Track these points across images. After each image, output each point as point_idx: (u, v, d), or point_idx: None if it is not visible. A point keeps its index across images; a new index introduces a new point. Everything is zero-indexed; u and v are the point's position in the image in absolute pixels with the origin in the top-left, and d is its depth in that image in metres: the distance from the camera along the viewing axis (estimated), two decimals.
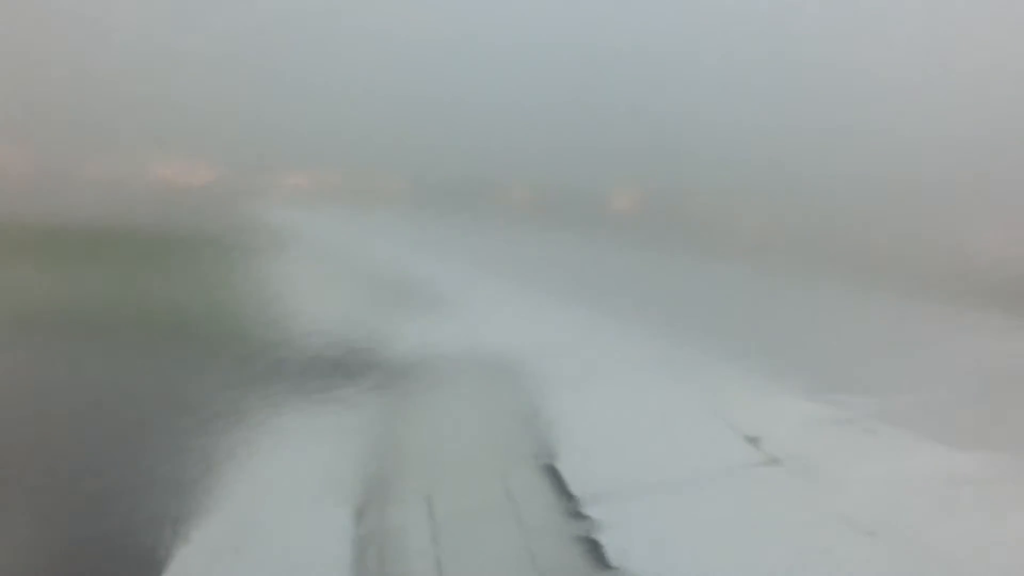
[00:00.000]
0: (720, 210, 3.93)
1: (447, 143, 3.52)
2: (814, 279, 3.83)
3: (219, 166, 3.48)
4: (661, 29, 3.39)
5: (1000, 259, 3.57)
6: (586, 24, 3.34)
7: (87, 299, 3.23)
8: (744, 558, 2.25)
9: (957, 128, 3.62)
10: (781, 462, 2.63)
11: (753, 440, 2.77)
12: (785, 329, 3.60)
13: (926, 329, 3.58)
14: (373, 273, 3.57)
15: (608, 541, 2.29)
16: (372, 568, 2.27)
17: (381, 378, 3.10)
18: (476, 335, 3.38)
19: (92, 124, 3.29)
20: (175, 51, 3.27)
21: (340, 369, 3.07)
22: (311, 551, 2.34)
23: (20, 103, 3.20)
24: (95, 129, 3.30)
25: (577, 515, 2.41)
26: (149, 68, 3.23)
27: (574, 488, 2.53)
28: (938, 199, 3.65)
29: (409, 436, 2.92)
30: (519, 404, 3.08)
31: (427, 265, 3.61)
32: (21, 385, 2.75)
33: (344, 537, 2.35)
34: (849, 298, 3.70)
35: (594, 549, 2.27)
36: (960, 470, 2.68)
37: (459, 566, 2.25)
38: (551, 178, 3.65)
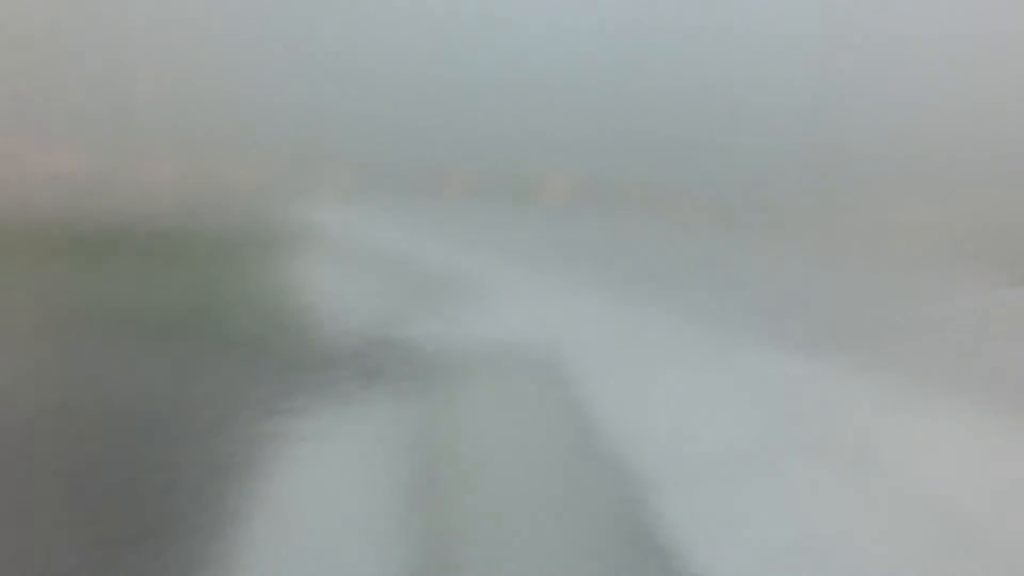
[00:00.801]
0: (751, 190, 3.86)
1: (480, 131, 3.47)
2: (844, 258, 3.77)
3: (242, 159, 3.42)
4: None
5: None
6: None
7: (120, 299, 3.19)
8: (799, 539, 2.22)
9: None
10: (837, 440, 2.59)
11: (804, 419, 2.73)
12: (820, 306, 3.54)
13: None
14: (406, 267, 3.51)
15: (662, 529, 2.26)
16: (425, 566, 2.24)
17: (417, 373, 3.05)
18: (512, 326, 3.34)
19: (123, 121, 3.26)
20: (198, 38, 3.24)
21: (374, 363, 3.03)
22: (354, 552, 2.31)
23: (57, 100, 3.19)
24: (126, 127, 3.27)
25: (630, 504, 2.38)
26: (175, 60, 3.21)
27: (625, 477, 2.49)
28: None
29: (450, 433, 2.88)
30: (560, 396, 3.03)
31: (459, 257, 3.54)
32: (54, 382, 2.73)
33: (388, 538, 2.32)
34: (887, 277, 3.65)
35: (650, 538, 2.24)
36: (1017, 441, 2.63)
37: (511, 561, 2.21)
38: (587, 165, 3.59)
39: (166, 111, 3.41)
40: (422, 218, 3.78)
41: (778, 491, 2.40)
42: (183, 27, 3.43)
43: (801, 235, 4.06)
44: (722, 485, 2.42)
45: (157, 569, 2.31)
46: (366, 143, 3.50)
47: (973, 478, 2.37)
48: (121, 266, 3.25)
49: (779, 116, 3.86)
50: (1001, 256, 3.72)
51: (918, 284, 3.92)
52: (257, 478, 2.58)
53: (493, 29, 3.24)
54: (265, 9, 3.34)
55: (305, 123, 3.43)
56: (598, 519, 2.30)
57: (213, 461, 2.69)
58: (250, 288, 3.35)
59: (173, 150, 3.38)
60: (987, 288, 3.57)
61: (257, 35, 3.36)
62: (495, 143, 3.44)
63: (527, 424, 2.98)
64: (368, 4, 3.29)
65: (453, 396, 3.13)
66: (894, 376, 2.91)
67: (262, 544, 2.32)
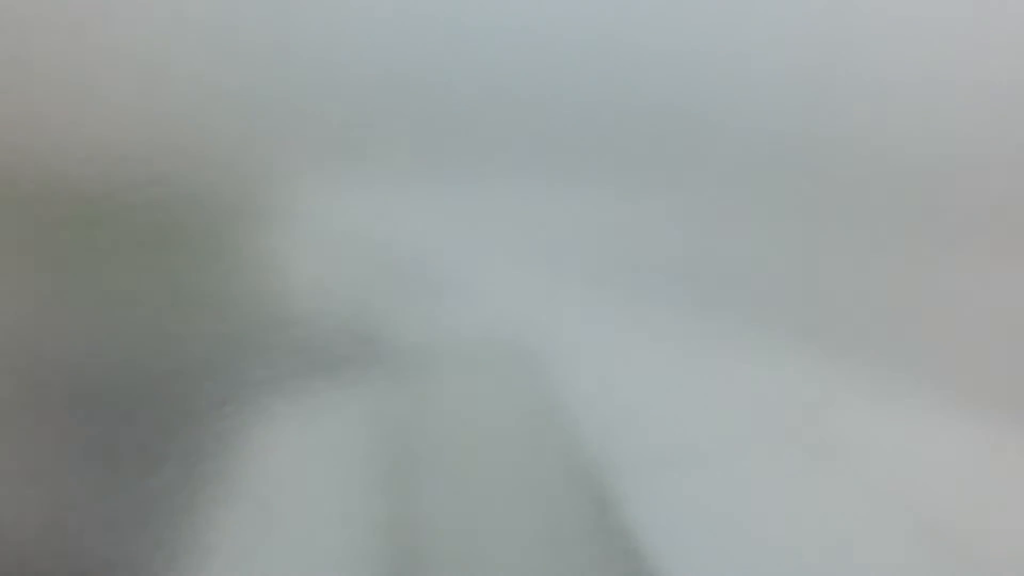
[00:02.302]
0: (734, 173, 3.85)
1: (464, 118, 3.43)
2: (828, 243, 3.78)
3: (209, 133, 3.37)
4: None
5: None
6: None
7: (87, 283, 3.15)
8: (777, 531, 2.27)
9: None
10: (804, 431, 2.63)
11: (776, 408, 2.77)
12: (807, 293, 3.56)
13: (951, 282, 3.56)
14: (382, 255, 3.49)
15: (636, 521, 2.30)
16: (400, 559, 2.27)
17: (394, 365, 3.06)
18: (489, 317, 3.35)
19: (87, 87, 3.19)
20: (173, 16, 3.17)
21: (351, 356, 3.02)
22: (336, 543, 2.33)
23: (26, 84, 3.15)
24: (88, 92, 3.21)
25: (605, 497, 2.42)
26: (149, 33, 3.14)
27: (601, 469, 2.53)
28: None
29: (428, 423, 2.89)
30: (537, 388, 3.05)
31: (438, 245, 3.53)
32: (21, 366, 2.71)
33: (365, 532, 2.35)
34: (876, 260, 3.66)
35: (623, 531, 2.29)
36: (995, 438, 2.67)
37: (491, 548, 2.25)
38: (572, 153, 3.56)
39: (141, 92, 3.36)
40: (400, 205, 3.75)
41: (757, 486, 2.43)
42: (162, 7, 3.35)
43: (793, 226, 4.06)
44: (699, 479, 2.45)
45: (129, 555, 2.33)
46: (345, 128, 3.46)
47: (950, 476, 2.41)
48: (89, 250, 3.20)
49: (772, 104, 3.84)
50: (997, 247, 3.73)
51: (909, 276, 3.94)
52: (227, 467, 2.59)
53: (476, 20, 3.18)
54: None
55: (284, 106, 3.39)
56: (571, 514, 2.34)
57: (181, 449, 2.68)
58: (221, 274, 3.32)
59: (148, 132, 3.32)
60: (982, 282, 3.59)
61: (239, 17, 3.29)
62: (479, 130, 3.41)
63: (503, 417, 2.98)
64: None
65: (428, 388, 3.13)
66: (883, 370, 2.93)
67: (232, 536, 2.34)
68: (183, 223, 3.10)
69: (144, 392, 2.66)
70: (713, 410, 2.83)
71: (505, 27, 3.35)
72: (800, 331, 3.15)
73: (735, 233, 3.62)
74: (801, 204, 3.76)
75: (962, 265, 3.67)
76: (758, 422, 2.66)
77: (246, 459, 2.55)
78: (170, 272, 3.02)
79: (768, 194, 3.78)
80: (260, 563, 2.22)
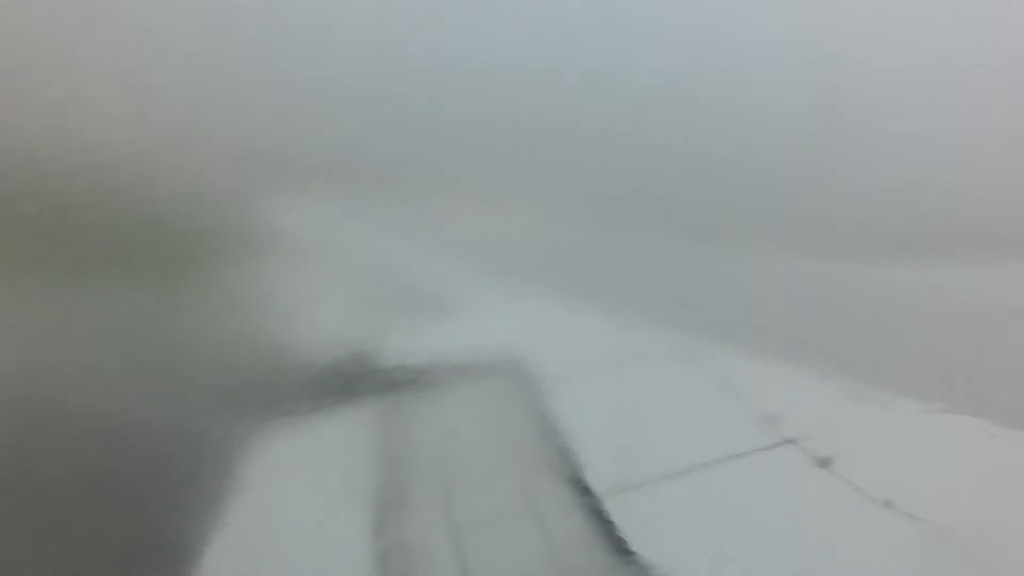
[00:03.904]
0: (710, 192, 3.88)
1: (455, 142, 3.47)
2: (808, 257, 3.83)
3: (207, 156, 3.34)
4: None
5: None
6: None
7: (87, 303, 3.10)
8: (765, 540, 2.26)
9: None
10: (797, 442, 2.63)
11: (768, 421, 2.77)
12: (786, 308, 3.59)
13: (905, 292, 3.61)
14: (377, 275, 3.50)
15: (631, 533, 2.29)
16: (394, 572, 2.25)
17: (388, 384, 3.06)
18: (479, 335, 3.36)
19: (71, 100, 3.16)
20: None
21: (345, 375, 3.03)
22: (331, 565, 2.32)
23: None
24: (72, 106, 3.17)
25: (598, 509, 2.41)
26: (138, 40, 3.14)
27: (594, 483, 2.52)
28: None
29: (419, 442, 2.89)
30: (529, 403, 3.06)
31: (430, 265, 3.55)
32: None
33: (364, 550, 2.32)
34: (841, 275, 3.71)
35: (617, 542, 2.28)
36: (977, 440, 2.69)
37: (483, 570, 2.23)
38: (558, 174, 3.60)
39: (137, 109, 3.34)
40: (394, 226, 3.79)
41: (740, 491, 2.44)
42: (157, 25, 3.35)
43: (775, 242, 4.10)
44: (684, 487, 2.46)
45: (127, 570, 2.31)
46: (341, 152, 3.48)
47: (933, 479, 2.42)
48: (91, 273, 3.19)
49: (757, 126, 3.90)
50: (981, 257, 3.76)
51: (889, 288, 3.97)
52: (225, 484, 2.58)
53: (474, 49, 3.22)
54: (244, 12, 3.27)
55: (283, 130, 3.40)
56: (559, 523, 2.34)
57: (183, 468, 2.67)
58: (221, 295, 3.32)
59: (145, 151, 3.33)
60: (969, 291, 3.62)
61: (236, 40, 3.30)
62: (472, 157, 3.44)
63: (494, 433, 3.00)
64: (348, 11, 3.26)
65: (421, 405, 3.14)
66: (864, 379, 2.96)
67: (232, 551, 2.33)
68: (177, 246, 3.10)
69: (141, 413, 2.66)
70: (700, 421, 2.86)
71: (500, 55, 3.39)
72: (792, 345, 3.19)
73: (724, 257, 3.64)
74: (786, 224, 3.79)
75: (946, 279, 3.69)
76: (749, 431, 2.69)
77: (246, 477, 2.56)
78: (167, 293, 3.03)
79: (754, 217, 3.81)
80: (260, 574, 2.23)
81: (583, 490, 2.47)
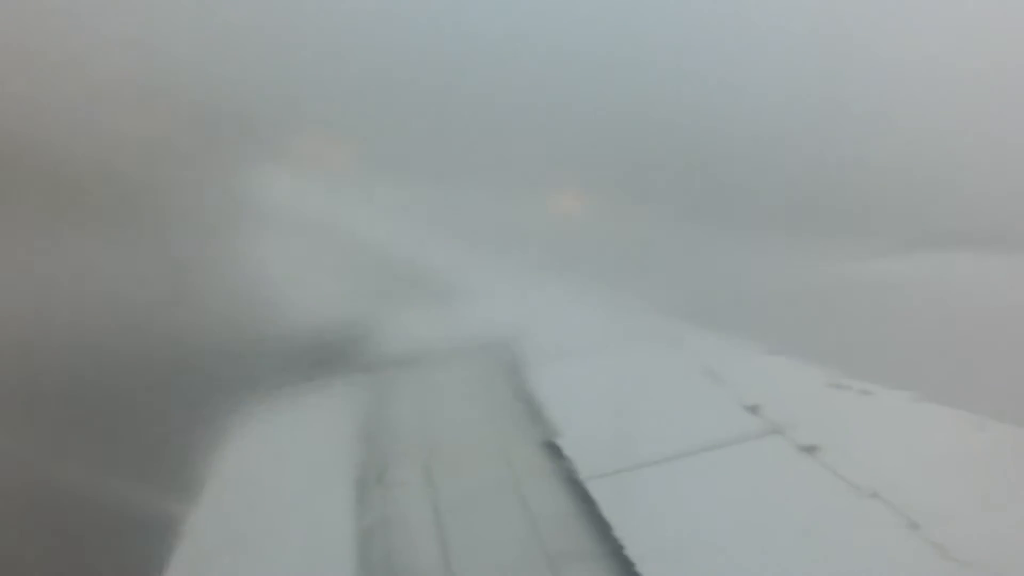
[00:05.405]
0: (701, 177, 3.87)
1: (456, 123, 3.44)
2: (793, 245, 3.82)
3: (196, 122, 3.29)
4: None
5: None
6: None
7: (73, 277, 3.08)
8: (749, 529, 2.26)
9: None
10: (783, 430, 2.63)
11: (753, 409, 2.77)
12: (770, 294, 3.59)
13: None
14: (368, 252, 3.48)
15: (614, 518, 2.29)
16: (377, 557, 2.25)
17: (375, 362, 3.05)
18: (470, 315, 3.35)
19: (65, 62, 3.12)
20: None
21: (332, 354, 3.01)
22: (314, 543, 2.31)
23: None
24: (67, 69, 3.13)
25: (581, 493, 2.41)
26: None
27: (577, 466, 2.52)
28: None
29: (405, 421, 2.88)
30: (513, 384, 3.05)
31: (423, 244, 3.53)
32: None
33: (346, 527, 2.33)
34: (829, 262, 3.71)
35: (600, 526, 2.27)
36: (964, 432, 2.69)
37: (465, 550, 2.23)
38: (558, 160, 3.59)
39: (132, 79, 3.31)
40: (389, 204, 3.78)
41: (726, 478, 2.44)
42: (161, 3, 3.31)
43: (773, 232, 4.10)
44: (670, 473, 2.46)
45: (114, 548, 2.31)
46: (341, 132, 3.46)
47: (918, 469, 2.42)
48: (78, 245, 3.16)
49: (761, 119, 3.89)
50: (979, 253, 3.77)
51: (879, 280, 3.98)
52: (214, 468, 2.57)
53: (486, 31, 3.19)
54: None
55: (282, 106, 3.38)
56: (543, 507, 2.34)
57: (168, 444, 2.66)
58: (215, 268, 3.30)
59: (139, 122, 3.30)
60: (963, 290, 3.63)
61: (236, 11, 3.26)
62: (478, 140, 3.42)
63: (480, 413, 3.00)
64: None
65: (407, 384, 3.14)
66: (851, 369, 2.95)
67: (215, 525, 2.33)
68: (174, 222, 3.07)
69: (129, 390, 2.65)
70: (686, 408, 2.86)
71: (509, 39, 3.36)
72: (780, 334, 3.19)
73: (725, 243, 3.63)
74: (777, 212, 3.78)
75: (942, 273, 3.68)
76: (735, 419, 2.69)
77: (230, 453, 2.55)
78: (157, 270, 3.01)
79: (747, 203, 3.79)
80: (243, 558, 2.22)
81: (567, 474, 2.47)
